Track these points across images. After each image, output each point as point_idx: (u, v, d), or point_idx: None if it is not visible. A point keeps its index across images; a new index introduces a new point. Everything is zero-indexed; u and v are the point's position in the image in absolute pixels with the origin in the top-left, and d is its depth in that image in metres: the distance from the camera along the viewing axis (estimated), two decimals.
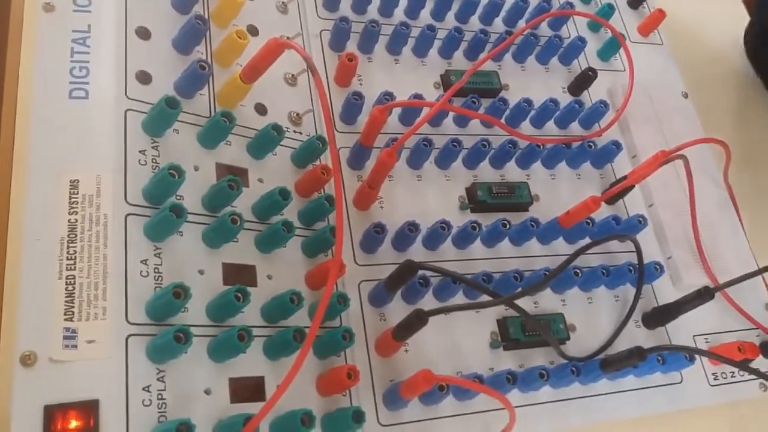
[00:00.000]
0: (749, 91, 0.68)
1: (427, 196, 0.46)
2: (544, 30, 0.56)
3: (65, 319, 0.31)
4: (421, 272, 0.40)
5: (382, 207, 0.44)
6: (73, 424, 0.29)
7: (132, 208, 0.35)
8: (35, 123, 0.35)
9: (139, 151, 0.36)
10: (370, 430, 0.38)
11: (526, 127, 0.52)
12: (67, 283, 0.32)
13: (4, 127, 0.35)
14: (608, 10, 0.57)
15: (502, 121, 0.49)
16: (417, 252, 0.44)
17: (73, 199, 0.34)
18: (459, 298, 0.43)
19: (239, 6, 0.43)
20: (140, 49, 0.39)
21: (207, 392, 0.33)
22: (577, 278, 0.45)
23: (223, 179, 0.36)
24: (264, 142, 0.40)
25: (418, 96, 0.46)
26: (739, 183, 0.56)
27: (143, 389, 0.31)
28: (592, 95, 0.55)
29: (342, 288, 0.41)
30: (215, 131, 0.38)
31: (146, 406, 0.31)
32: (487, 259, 0.45)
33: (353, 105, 0.45)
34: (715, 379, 0.48)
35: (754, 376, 0.47)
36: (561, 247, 0.48)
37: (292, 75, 0.45)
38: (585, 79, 0.54)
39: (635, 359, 0.41)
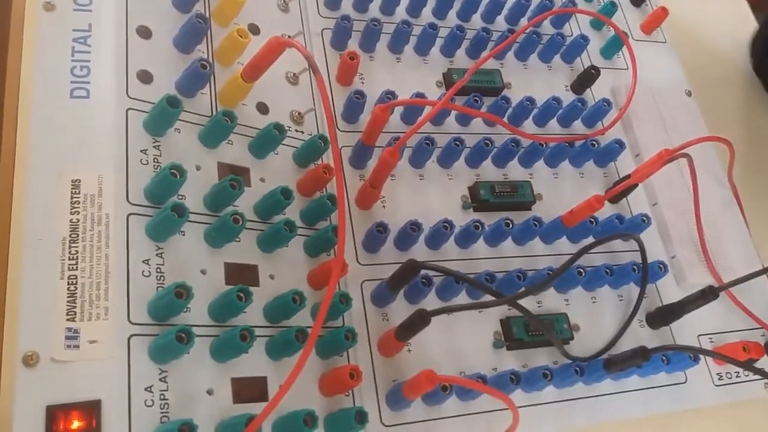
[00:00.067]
0: (753, 89, 0.67)
1: (429, 196, 0.46)
2: (547, 28, 0.56)
3: (67, 320, 0.31)
4: (423, 272, 0.40)
5: (384, 206, 0.44)
6: (76, 424, 0.29)
7: (134, 208, 0.35)
8: (36, 123, 0.35)
9: (141, 151, 0.36)
10: (373, 430, 0.38)
11: (528, 125, 0.51)
12: (69, 283, 0.32)
13: (6, 126, 0.35)
14: (611, 8, 0.57)
15: (505, 119, 0.49)
16: (419, 251, 0.44)
17: (74, 199, 0.34)
18: (462, 298, 0.43)
19: (240, 4, 0.43)
20: (141, 48, 0.39)
21: (209, 392, 0.33)
22: (581, 278, 0.45)
23: (224, 179, 0.36)
24: (266, 142, 0.40)
25: (420, 95, 0.46)
26: (743, 182, 0.55)
27: (145, 389, 0.31)
28: (595, 93, 0.55)
29: (344, 288, 0.41)
30: (217, 130, 0.38)
31: (148, 406, 0.31)
32: (490, 258, 0.45)
33: (355, 104, 0.45)
34: (719, 379, 0.47)
35: (759, 376, 0.47)
36: (564, 246, 0.48)
37: (294, 74, 0.45)
38: (588, 77, 0.54)
39: (639, 359, 0.41)
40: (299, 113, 0.44)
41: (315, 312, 0.38)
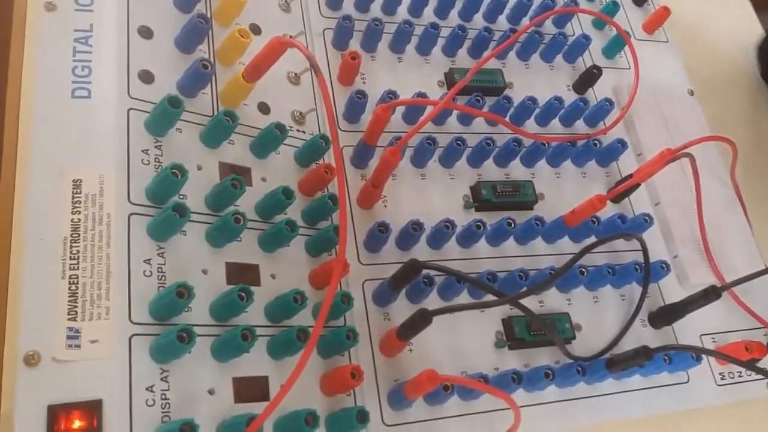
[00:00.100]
0: (755, 88, 0.67)
1: (431, 195, 0.46)
2: (549, 27, 0.56)
3: (68, 319, 0.31)
4: (425, 271, 0.40)
5: (386, 206, 0.44)
6: (77, 424, 0.29)
7: (135, 208, 0.35)
8: (38, 122, 0.35)
9: (142, 151, 0.36)
10: (375, 430, 0.38)
11: (530, 125, 0.51)
12: (70, 283, 0.32)
13: (7, 126, 0.35)
14: (613, 8, 0.57)
15: (507, 119, 0.49)
16: (421, 251, 0.44)
17: (76, 199, 0.34)
18: (464, 298, 0.43)
19: (242, 4, 0.43)
20: (142, 48, 0.39)
21: (210, 392, 0.33)
22: (583, 277, 0.44)
23: (226, 178, 0.36)
24: (267, 141, 0.40)
25: (421, 94, 0.46)
26: (748, 184, 0.55)
27: (147, 389, 0.31)
28: (597, 93, 0.55)
29: (346, 287, 0.41)
30: (218, 130, 0.38)
31: (150, 406, 0.31)
32: (491, 258, 0.45)
33: (356, 104, 0.45)
34: (722, 378, 0.47)
35: (762, 376, 0.47)
36: (566, 246, 0.48)
37: (295, 74, 0.45)
38: (590, 76, 0.54)
39: (641, 359, 0.41)
40: (301, 113, 0.44)
41: (316, 312, 0.38)
